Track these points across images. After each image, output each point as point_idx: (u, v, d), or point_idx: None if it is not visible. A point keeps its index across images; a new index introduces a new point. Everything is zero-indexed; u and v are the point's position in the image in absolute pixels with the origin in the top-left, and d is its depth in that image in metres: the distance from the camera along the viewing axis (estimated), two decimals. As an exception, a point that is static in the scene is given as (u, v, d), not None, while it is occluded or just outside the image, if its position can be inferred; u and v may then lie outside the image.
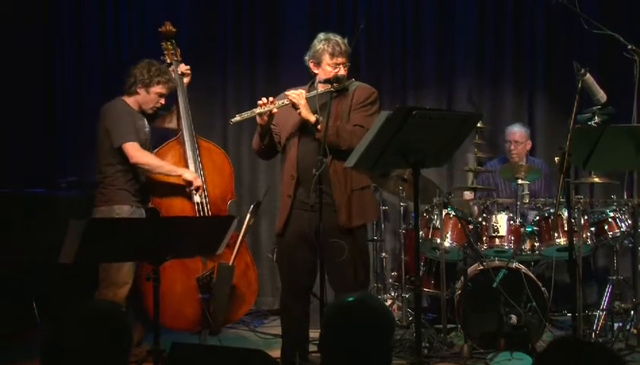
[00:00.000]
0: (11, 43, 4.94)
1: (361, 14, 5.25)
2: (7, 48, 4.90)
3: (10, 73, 4.92)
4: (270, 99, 3.37)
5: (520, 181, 4.32)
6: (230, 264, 3.82)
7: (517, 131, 4.87)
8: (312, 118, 3.33)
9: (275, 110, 3.36)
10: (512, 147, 4.83)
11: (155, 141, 3.94)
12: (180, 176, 3.78)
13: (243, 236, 3.96)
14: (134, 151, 3.68)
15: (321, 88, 3.41)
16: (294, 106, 3.34)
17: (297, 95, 3.35)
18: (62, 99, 5.24)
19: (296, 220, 3.41)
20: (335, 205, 3.35)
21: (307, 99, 3.36)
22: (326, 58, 3.41)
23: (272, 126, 3.49)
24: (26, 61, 5.05)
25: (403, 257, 4.45)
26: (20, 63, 4.99)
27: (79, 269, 3.13)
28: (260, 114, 3.37)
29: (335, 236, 3.32)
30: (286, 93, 3.42)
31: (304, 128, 3.40)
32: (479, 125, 4.21)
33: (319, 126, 3.29)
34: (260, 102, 3.38)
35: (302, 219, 3.36)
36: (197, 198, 3.82)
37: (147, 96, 3.79)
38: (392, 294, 4.72)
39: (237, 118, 3.41)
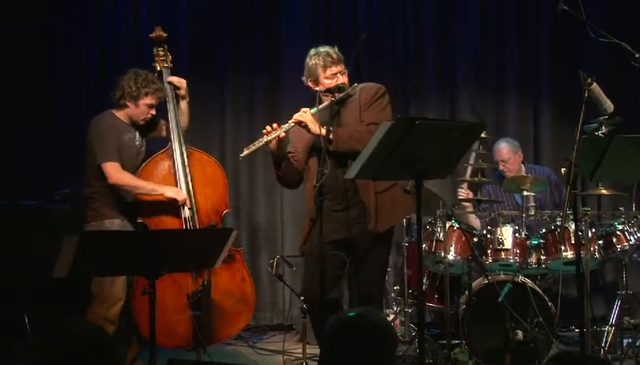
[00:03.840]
0: (7, 48, 4.95)
1: (362, 24, 5.27)
2: (3, 53, 4.91)
3: (4, 79, 4.92)
4: (275, 125, 3.35)
5: (525, 192, 4.31)
6: (206, 280, 3.76)
7: (503, 149, 4.81)
8: (322, 131, 3.31)
9: (282, 134, 3.35)
10: (502, 167, 4.79)
11: (147, 153, 3.93)
12: (162, 195, 3.76)
13: None
14: (113, 172, 3.67)
15: (325, 99, 3.40)
16: (301, 124, 3.34)
17: (301, 113, 3.35)
18: (60, 108, 5.22)
19: (314, 240, 3.39)
20: (365, 209, 3.35)
21: (313, 115, 3.35)
22: (321, 73, 3.40)
23: (290, 153, 3.48)
24: (23, 66, 5.04)
25: (405, 270, 4.44)
26: (15, 68, 4.99)
27: (72, 282, 3.12)
28: (267, 143, 3.34)
29: (364, 246, 3.33)
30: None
31: (318, 147, 3.38)
32: (482, 135, 4.21)
33: (331, 137, 3.28)
34: (265, 131, 3.36)
35: (317, 238, 3.32)
36: (186, 213, 3.80)
37: (135, 109, 3.77)
38: (394, 309, 4.70)
39: (246, 152, 3.37)
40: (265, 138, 3.34)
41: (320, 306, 3.26)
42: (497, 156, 4.83)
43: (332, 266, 3.33)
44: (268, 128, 3.36)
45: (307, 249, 3.44)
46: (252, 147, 3.36)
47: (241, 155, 3.42)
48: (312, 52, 3.45)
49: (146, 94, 3.74)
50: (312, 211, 3.38)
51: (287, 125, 3.36)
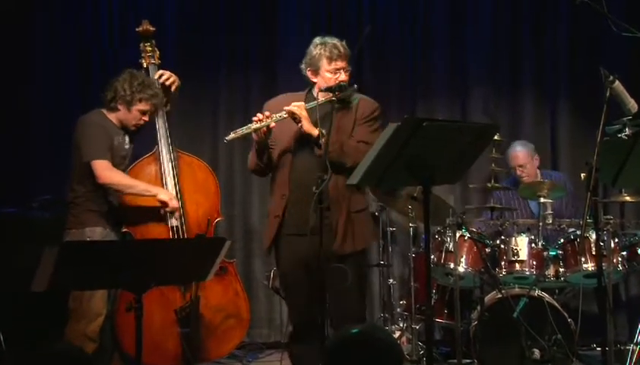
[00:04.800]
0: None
1: (366, 19, 5.26)
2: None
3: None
4: (267, 113, 3.36)
5: (542, 199, 4.30)
6: (194, 295, 3.73)
7: (519, 154, 4.82)
8: (315, 131, 3.32)
9: (273, 124, 3.35)
10: (520, 172, 4.81)
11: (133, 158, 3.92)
12: (155, 196, 3.75)
13: None
14: (103, 170, 3.65)
15: (321, 97, 3.41)
16: (294, 118, 3.34)
17: (297, 106, 3.35)
18: (39, 109, 5.20)
19: (291, 247, 3.39)
20: (333, 227, 3.33)
21: (307, 110, 3.35)
22: (324, 64, 3.40)
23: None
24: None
25: (412, 284, 4.43)
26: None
27: (51, 297, 3.10)
28: (256, 130, 3.35)
29: (329, 262, 3.30)
30: (286, 108, 3.39)
31: (300, 143, 3.39)
32: (496, 137, 4.21)
33: (322, 141, 3.28)
34: (255, 118, 3.36)
35: (298, 245, 3.33)
36: (173, 222, 3.78)
37: (128, 114, 3.76)
38: (401, 325, 4.69)
39: (231, 135, 3.39)
40: (254, 125, 3.34)
41: (319, 328, 3.21)
42: (513, 161, 4.83)
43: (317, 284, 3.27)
44: (259, 115, 3.36)
45: (293, 263, 3.41)
46: (239, 132, 3.37)
47: (226, 138, 3.43)
48: (318, 40, 3.46)
49: (140, 100, 3.73)
50: (278, 208, 3.39)
51: (279, 115, 3.36)
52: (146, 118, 3.80)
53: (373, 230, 3.63)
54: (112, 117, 3.78)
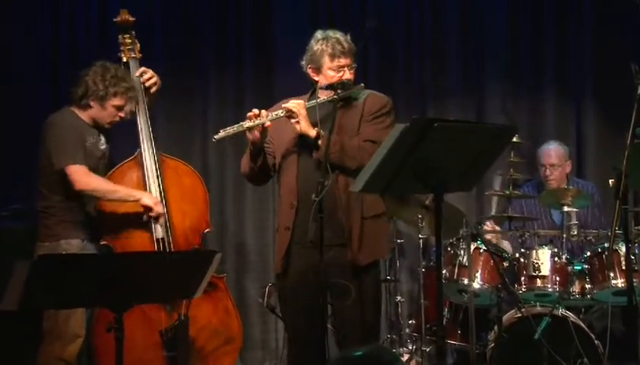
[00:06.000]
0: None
1: (371, 11, 5.27)
2: None
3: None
4: (263, 112, 3.37)
5: (566, 208, 4.30)
6: (182, 315, 3.73)
7: (552, 151, 4.83)
8: (312, 132, 3.32)
9: (268, 123, 3.36)
10: (548, 173, 4.81)
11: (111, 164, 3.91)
12: (138, 200, 3.73)
13: None
14: (80, 175, 3.64)
15: (323, 96, 3.41)
16: (291, 116, 3.34)
17: (296, 104, 3.35)
18: (6, 110, 5.21)
19: (299, 258, 3.39)
20: (344, 236, 3.33)
21: (307, 109, 3.36)
22: (326, 61, 3.41)
23: (265, 145, 3.48)
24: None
25: (422, 301, 4.42)
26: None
27: (24, 316, 3.10)
28: (250, 129, 3.36)
29: (342, 275, 3.31)
30: (283, 104, 3.40)
31: (303, 145, 3.40)
32: (514, 139, 4.20)
33: (320, 141, 3.28)
34: (250, 114, 3.37)
35: (305, 257, 3.33)
36: (159, 232, 3.77)
37: (101, 111, 3.75)
38: (410, 347, 4.70)
39: (221, 133, 3.40)
40: (247, 123, 3.35)
41: (318, 348, 3.22)
42: (544, 159, 4.84)
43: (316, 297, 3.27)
44: (255, 111, 3.36)
45: (300, 278, 3.40)
46: (230, 130, 3.38)
47: (215, 136, 3.43)
48: (320, 35, 3.47)
49: (114, 94, 3.73)
50: (288, 219, 3.38)
51: (275, 113, 3.37)
52: (122, 114, 3.79)
53: (388, 241, 3.61)
54: (84, 115, 3.77)
